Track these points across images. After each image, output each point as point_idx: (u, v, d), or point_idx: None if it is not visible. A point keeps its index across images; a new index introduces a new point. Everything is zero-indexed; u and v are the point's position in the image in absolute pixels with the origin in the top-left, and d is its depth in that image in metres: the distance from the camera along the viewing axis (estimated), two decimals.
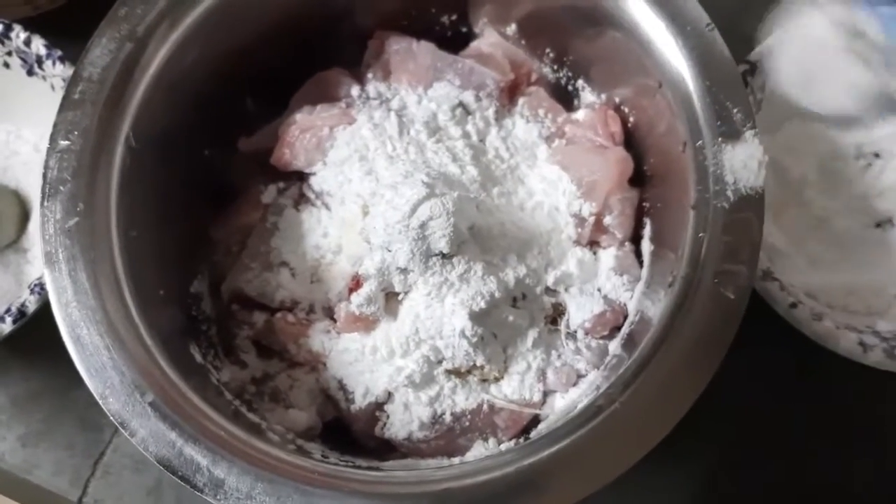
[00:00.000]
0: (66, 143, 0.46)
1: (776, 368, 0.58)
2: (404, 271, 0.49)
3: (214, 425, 0.42)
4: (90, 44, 0.47)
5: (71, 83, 0.46)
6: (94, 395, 0.42)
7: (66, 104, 0.46)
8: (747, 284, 0.42)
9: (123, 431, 0.41)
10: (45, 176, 0.45)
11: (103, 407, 0.42)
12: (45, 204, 0.45)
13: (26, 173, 0.64)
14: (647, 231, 0.54)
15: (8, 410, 0.62)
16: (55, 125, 0.46)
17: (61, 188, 0.45)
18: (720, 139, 0.45)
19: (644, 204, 0.55)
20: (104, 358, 0.42)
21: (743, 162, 0.44)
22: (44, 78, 0.59)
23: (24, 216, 0.64)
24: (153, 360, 0.43)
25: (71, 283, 0.43)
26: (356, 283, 0.51)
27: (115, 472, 0.61)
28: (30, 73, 0.60)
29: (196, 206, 0.57)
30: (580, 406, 0.43)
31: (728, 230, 0.43)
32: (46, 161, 0.45)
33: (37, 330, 0.51)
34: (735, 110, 0.45)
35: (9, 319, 0.53)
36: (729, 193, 0.44)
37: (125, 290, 0.45)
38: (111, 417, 0.42)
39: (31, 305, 0.54)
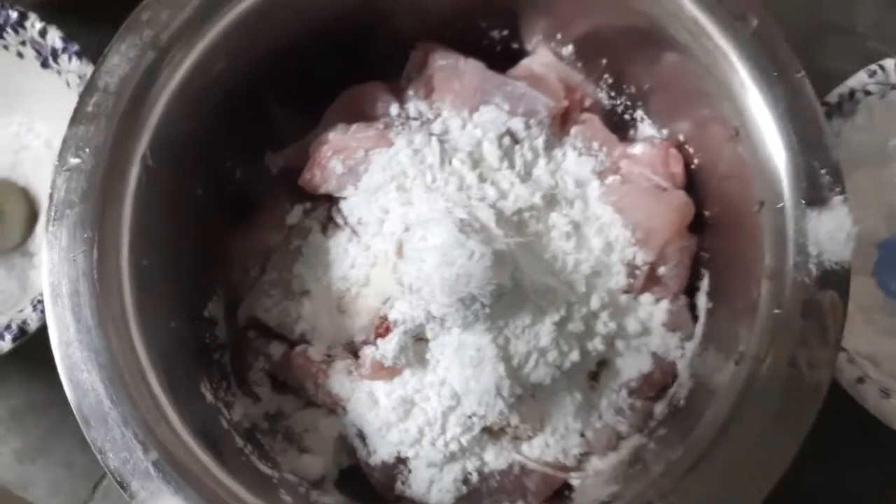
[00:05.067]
0: (77, 161, 0.41)
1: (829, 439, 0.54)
2: (438, 320, 0.44)
3: (223, 490, 0.38)
4: (108, 50, 0.43)
5: (85, 93, 0.42)
6: (93, 449, 0.38)
7: (78, 117, 0.42)
8: (827, 374, 0.38)
9: (123, 492, 0.38)
10: (51, 197, 0.41)
11: (102, 464, 0.38)
12: (51, 229, 0.41)
13: (36, 170, 0.60)
14: (704, 284, 0.50)
15: (6, 423, 0.59)
16: (65, 140, 0.42)
17: (68, 212, 0.41)
18: (804, 203, 0.40)
19: (702, 254, 0.50)
20: (106, 408, 0.38)
21: (829, 232, 0.39)
22: (59, 73, 0.55)
23: (33, 217, 0.60)
24: (160, 411, 0.39)
25: (74, 320, 0.39)
26: (385, 328, 0.46)
27: (116, 497, 0.58)
28: (44, 65, 0.56)
29: (215, 220, 0.52)
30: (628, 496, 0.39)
31: (808, 309, 0.38)
32: (54, 180, 0.41)
33: (42, 339, 0.47)
34: (823, 171, 0.40)
35: (8, 337, 0.50)
36: (811, 267, 0.39)
37: (132, 328, 0.41)
38: (110, 475, 0.38)
39: (33, 323, 0.50)
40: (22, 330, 0.50)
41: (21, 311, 0.51)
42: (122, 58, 0.42)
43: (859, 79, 0.53)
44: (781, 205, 0.40)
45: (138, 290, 0.42)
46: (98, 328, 0.39)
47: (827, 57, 0.64)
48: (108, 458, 0.38)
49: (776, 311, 0.39)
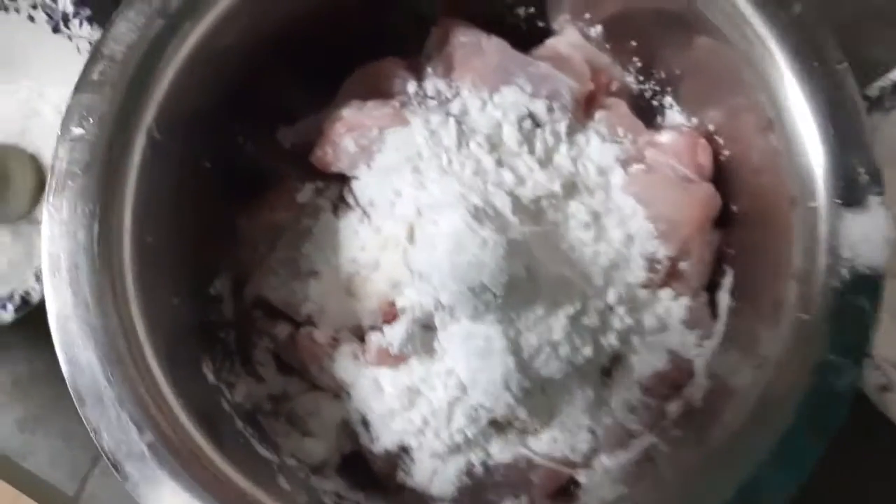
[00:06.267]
0: (80, 131, 0.40)
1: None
2: (448, 309, 0.43)
3: (219, 475, 0.37)
4: (115, 16, 0.41)
5: (90, 61, 0.41)
6: (87, 427, 0.37)
7: (82, 85, 0.40)
8: (853, 385, 0.36)
9: (116, 474, 0.37)
10: (53, 168, 0.40)
11: (96, 443, 0.37)
12: (52, 200, 0.39)
13: (46, 137, 0.59)
14: (726, 281, 0.48)
15: (8, 391, 0.59)
16: (68, 109, 0.40)
17: (70, 183, 0.39)
18: (839, 203, 0.38)
19: (727, 250, 0.48)
20: (101, 387, 0.37)
21: (864, 234, 0.37)
22: (70, 38, 0.54)
23: (41, 185, 0.59)
24: (157, 392, 0.38)
25: (72, 295, 0.38)
26: (392, 315, 0.45)
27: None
28: (55, 29, 0.54)
29: (224, 196, 0.51)
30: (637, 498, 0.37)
31: (837, 316, 0.36)
32: (56, 150, 0.40)
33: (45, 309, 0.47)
34: (861, 171, 0.38)
35: (10, 308, 0.49)
36: (843, 271, 0.37)
37: (132, 306, 0.40)
38: (104, 456, 0.37)
39: (36, 295, 0.49)
40: (25, 301, 0.49)
41: (25, 280, 0.50)
42: (129, 25, 0.41)
43: None
44: (815, 203, 0.38)
45: (140, 266, 0.41)
46: (96, 305, 0.38)
47: (869, 45, 0.61)
48: (103, 439, 0.37)
49: (803, 315, 0.37)
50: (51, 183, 0.39)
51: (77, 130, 0.40)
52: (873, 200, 0.37)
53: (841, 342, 0.36)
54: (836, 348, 0.36)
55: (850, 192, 0.38)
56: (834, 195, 0.38)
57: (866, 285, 0.37)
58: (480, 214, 0.41)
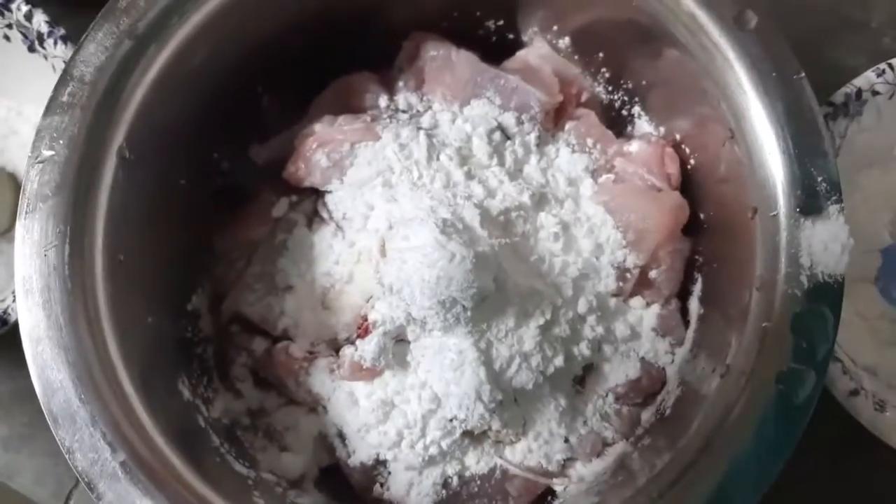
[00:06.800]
0: (50, 153, 0.40)
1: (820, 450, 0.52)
2: (419, 322, 0.43)
3: (193, 493, 0.38)
4: (84, 38, 0.42)
5: (59, 84, 0.41)
6: (61, 448, 0.37)
7: (52, 107, 0.41)
8: (815, 392, 0.36)
9: (90, 493, 0.37)
10: (24, 189, 0.40)
11: (70, 464, 0.37)
12: (23, 221, 0.40)
13: (24, 156, 0.59)
14: (696, 289, 0.48)
15: None
16: (39, 131, 0.40)
17: (41, 205, 0.40)
18: (798, 212, 0.38)
19: (696, 258, 0.49)
20: (74, 407, 0.38)
21: (823, 243, 0.38)
22: (45, 57, 0.54)
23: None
24: (130, 411, 0.38)
25: (44, 316, 0.39)
26: (364, 329, 0.45)
27: None
28: (31, 49, 0.55)
29: (199, 213, 0.51)
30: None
31: (798, 324, 0.37)
32: (27, 172, 0.40)
33: None
34: (820, 179, 0.38)
35: None
36: (803, 279, 0.37)
37: (105, 326, 0.40)
38: (77, 476, 0.37)
39: (15, 314, 0.49)
40: (3, 320, 0.49)
41: (3, 299, 0.51)
42: (98, 47, 0.41)
43: (867, 78, 0.51)
44: (775, 212, 0.39)
45: (113, 286, 0.41)
46: (68, 325, 0.39)
47: (840, 52, 0.62)
48: (76, 459, 0.37)
49: (765, 323, 0.38)
50: (22, 204, 0.40)
51: (47, 152, 0.40)
52: (832, 209, 0.38)
53: (803, 350, 0.37)
54: (798, 356, 0.37)
55: (809, 201, 0.38)
56: (793, 204, 0.38)
57: (826, 293, 0.37)
58: (449, 228, 0.42)
